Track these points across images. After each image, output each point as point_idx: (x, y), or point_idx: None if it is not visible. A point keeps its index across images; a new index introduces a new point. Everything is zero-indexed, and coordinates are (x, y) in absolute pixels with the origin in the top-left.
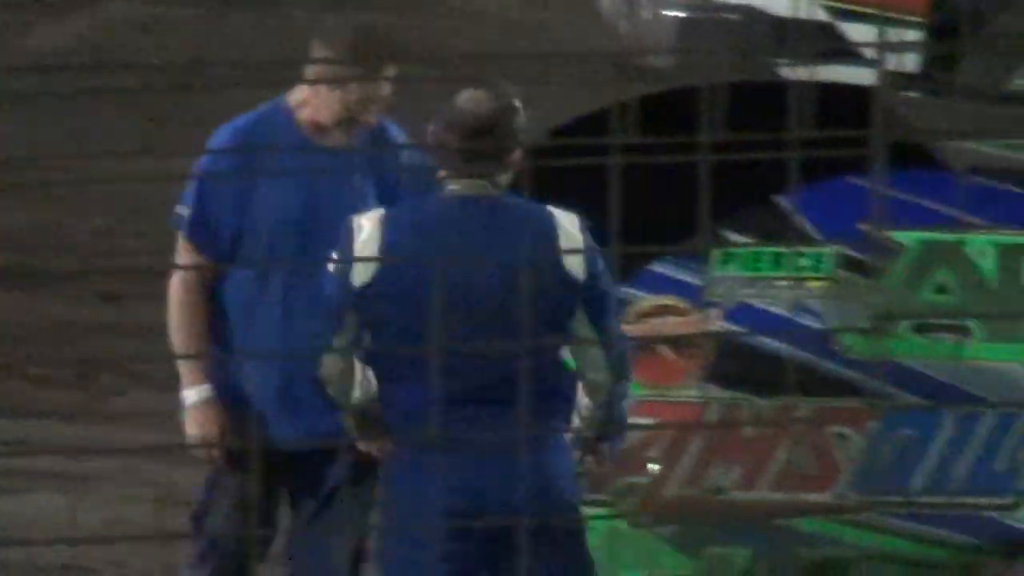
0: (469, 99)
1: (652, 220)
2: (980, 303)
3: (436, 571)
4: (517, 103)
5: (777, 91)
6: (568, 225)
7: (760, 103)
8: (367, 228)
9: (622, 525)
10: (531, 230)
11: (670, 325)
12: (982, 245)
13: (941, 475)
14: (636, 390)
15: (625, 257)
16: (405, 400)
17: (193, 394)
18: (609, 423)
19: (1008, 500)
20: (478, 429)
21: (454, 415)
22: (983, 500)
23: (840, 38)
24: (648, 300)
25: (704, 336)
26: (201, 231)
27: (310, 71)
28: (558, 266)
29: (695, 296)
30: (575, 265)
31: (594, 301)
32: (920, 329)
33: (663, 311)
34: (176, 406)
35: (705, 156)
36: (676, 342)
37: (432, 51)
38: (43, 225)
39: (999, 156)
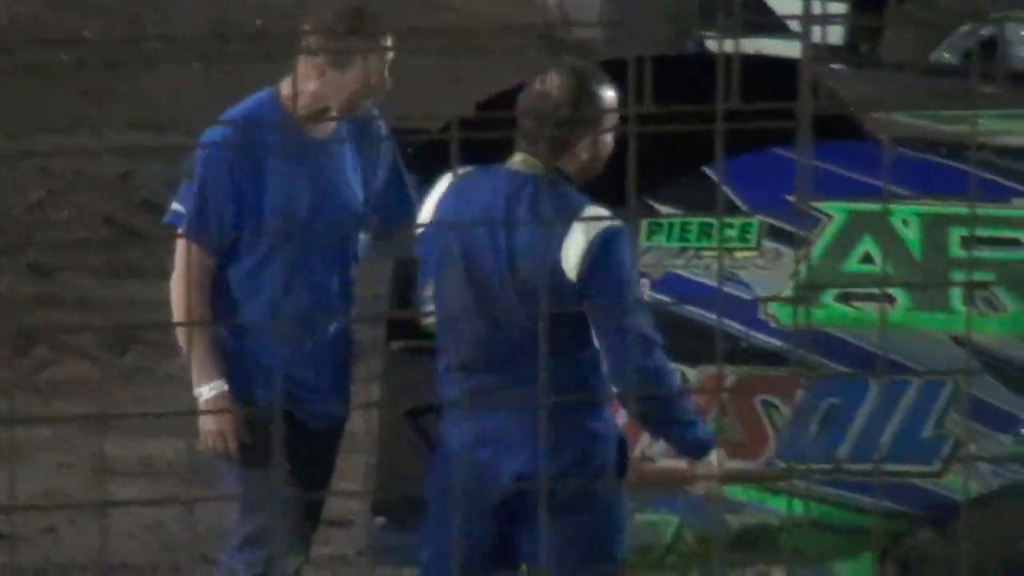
0: (547, 79)
1: (583, 191)
2: (905, 273)
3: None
4: (594, 90)
5: (704, 63)
6: (587, 227)
7: (687, 75)
8: (433, 194)
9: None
10: (551, 217)
11: None
12: (907, 215)
13: (867, 443)
14: None
15: None
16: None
17: (206, 390)
18: (672, 421)
19: (934, 467)
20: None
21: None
22: (909, 467)
23: (767, 11)
24: None
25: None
26: (204, 227)
27: (310, 58)
28: (553, 261)
29: None
30: (570, 264)
31: (593, 301)
32: (845, 298)
33: None
34: (108, 375)
35: (631, 128)
36: None
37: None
38: None
39: (924, 127)
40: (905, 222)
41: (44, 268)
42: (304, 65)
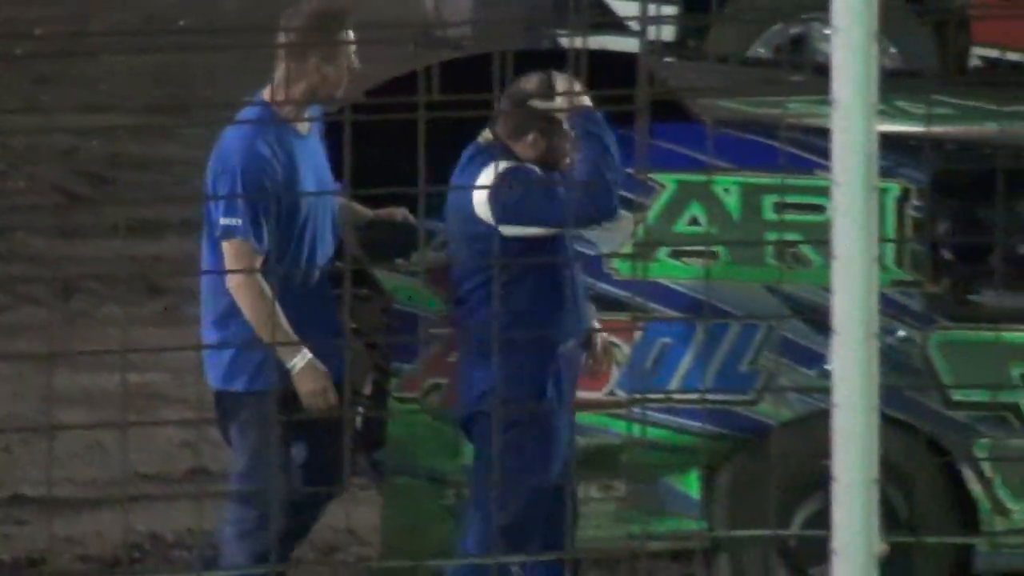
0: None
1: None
2: (726, 233)
3: None
4: (553, 87)
5: (557, 58)
6: (490, 174)
7: (544, 67)
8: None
9: (428, 418)
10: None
11: None
12: (728, 184)
13: (694, 376)
14: (434, 304)
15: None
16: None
17: (299, 359)
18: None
19: (750, 396)
20: None
21: None
22: (729, 396)
23: (610, 12)
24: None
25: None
26: (258, 231)
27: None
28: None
29: None
30: (481, 207)
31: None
32: (676, 255)
33: None
34: (55, 319)
35: (491, 113)
36: None
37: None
38: None
39: (742, 111)
40: (726, 190)
41: (2, 229)
42: (287, 64)
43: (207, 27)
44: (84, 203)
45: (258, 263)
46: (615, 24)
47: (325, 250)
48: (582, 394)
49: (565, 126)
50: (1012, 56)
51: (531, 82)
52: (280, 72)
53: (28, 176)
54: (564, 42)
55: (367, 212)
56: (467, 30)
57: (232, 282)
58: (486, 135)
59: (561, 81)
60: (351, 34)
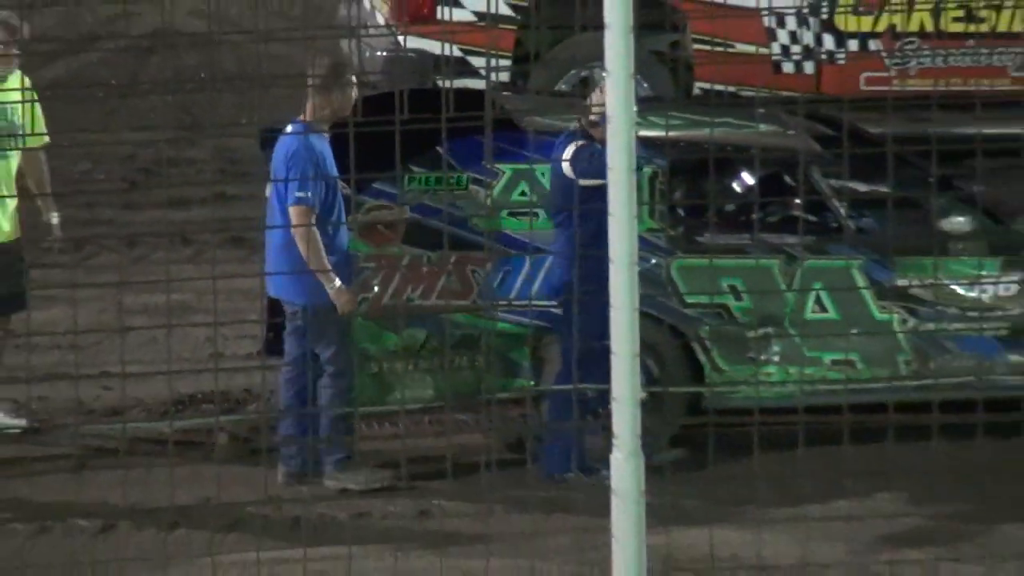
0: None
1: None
2: (542, 201)
3: None
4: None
5: (436, 94)
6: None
7: (428, 100)
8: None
9: (360, 320)
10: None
11: (385, 215)
12: (544, 170)
13: (526, 290)
14: (365, 248)
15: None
16: None
17: (337, 283)
18: None
19: (556, 302)
20: None
21: None
22: (548, 303)
23: (468, 64)
24: (374, 202)
25: (400, 220)
26: (315, 200)
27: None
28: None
29: (395, 200)
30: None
31: None
32: (512, 214)
33: (381, 207)
34: None
35: (399, 127)
36: (388, 224)
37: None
38: None
39: (552, 124)
40: (543, 174)
41: (90, 204)
42: (317, 96)
43: (219, 75)
44: (139, 188)
45: (313, 217)
46: (472, 72)
47: (341, 211)
48: (456, 303)
49: None
50: (719, 88)
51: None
52: (311, 102)
53: (105, 171)
54: (440, 83)
55: None
56: (380, 76)
57: (299, 232)
58: (574, 124)
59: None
60: (353, 79)
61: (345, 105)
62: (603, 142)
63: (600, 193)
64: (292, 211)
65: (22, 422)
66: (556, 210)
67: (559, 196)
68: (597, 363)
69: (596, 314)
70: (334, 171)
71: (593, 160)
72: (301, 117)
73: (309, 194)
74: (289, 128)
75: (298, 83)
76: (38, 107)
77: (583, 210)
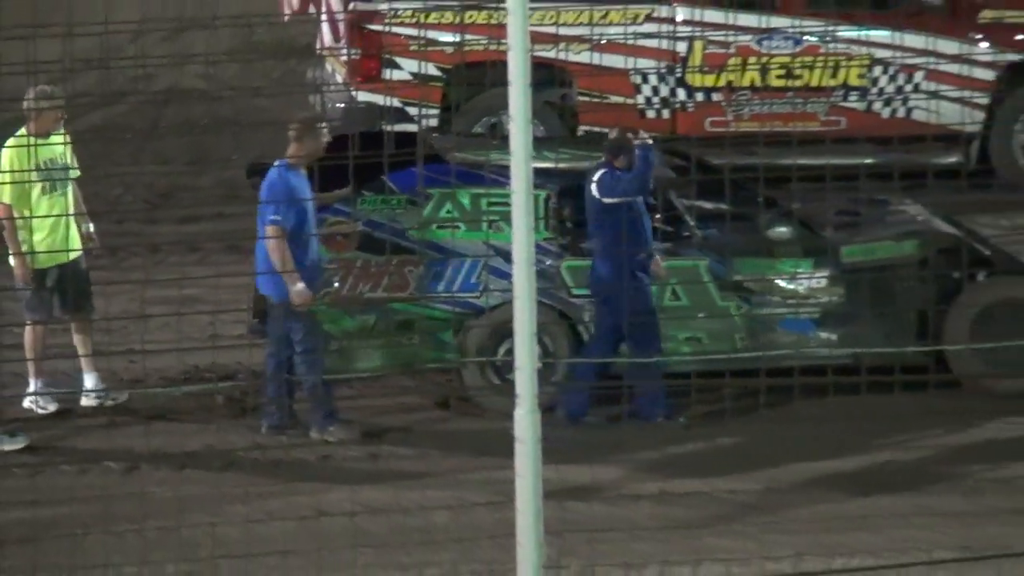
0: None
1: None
2: (463, 216)
3: None
4: (630, 136)
5: (381, 136)
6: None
7: (374, 140)
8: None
9: (323, 309)
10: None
11: (342, 227)
12: (464, 193)
13: (451, 284)
14: (327, 254)
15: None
16: None
17: (300, 286)
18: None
19: (477, 293)
20: None
21: None
22: (467, 294)
23: (406, 112)
24: (334, 218)
25: (354, 232)
26: (285, 223)
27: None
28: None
29: (349, 216)
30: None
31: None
32: (441, 228)
33: (340, 222)
34: None
35: (353, 160)
36: (345, 235)
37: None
38: None
39: (470, 159)
40: (464, 196)
41: (121, 220)
42: (297, 143)
43: (219, 122)
44: (158, 208)
45: (284, 236)
46: (408, 119)
47: (311, 230)
48: (396, 294)
49: (635, 152)
50: (598, 130)
51: (619, 133)
52: (293, 147)
53: (132, 195)
54: (385, 128)
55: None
56: (338, 122)
57: (270, 245)
58: (602, 155)
59: (634, 134)
60: (324, 129)
61: (317, 150)
62: (622, 169)
63: (619, 208)
64: (267, 230)
65: (18, 445)
66: (591, 221)
67: (591, 212)
68: (637, 332)
69: (624, 298)
70: (307, 200)
71: (614, 184)
72: (286, 157)
73: (280, 217)
74: (275, 164)
75: (279, 128)
76: (70, 150)
77: (607, 220)
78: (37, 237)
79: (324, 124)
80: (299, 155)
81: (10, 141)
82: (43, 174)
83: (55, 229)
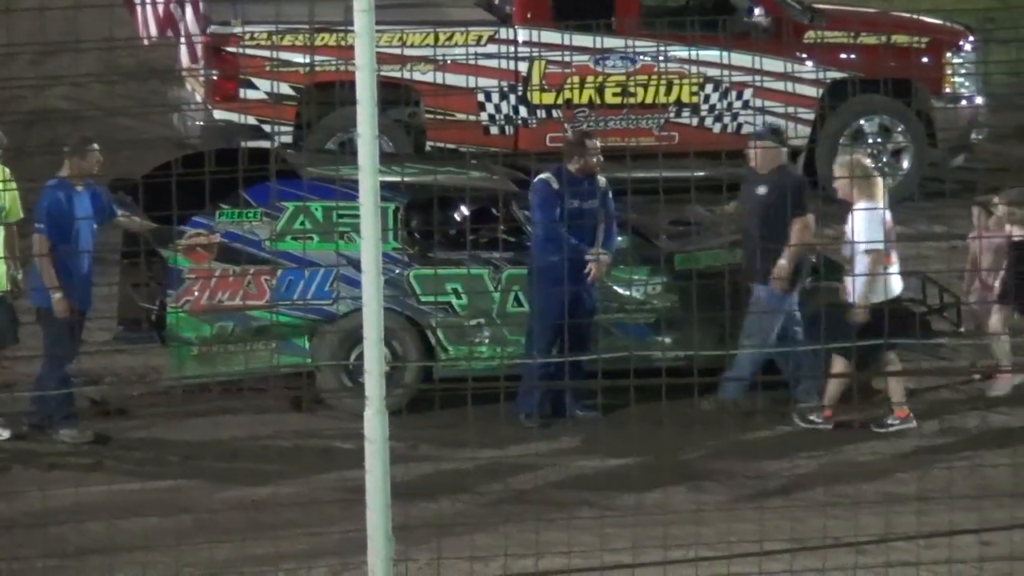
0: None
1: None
2: (316, 228)
3: None
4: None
5: (234, 152)
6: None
7: (232, 157)
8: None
9: (184, 316)
10: None
11: (201, 239)
12: (317, 206)
13: (305, 293)
14: (186, 263)
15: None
16: None
17: (59, 294)
18: None
19: (330, 301)
20: None
21: None
22: (321, 302)
23: (261, 130)
24: (194, 230)
25: (213, 244)
26: (51, 234)
27: None
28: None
29: (210, 229)
30: None
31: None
32: (294, 239)
33: (199, 234)
34: None
35: (208, 176)
36: (205, 247)
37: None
38: None
39: (322, 174)
40: (317, 209)
41: None
42: (71, 160)
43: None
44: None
45: (47, 248)
46: (264, 136)
47: (86, 244)
48: (252, 302)
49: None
50: (443, 145)
51: (576, 135)
52: (67, 166)
53: None
54: (242, 144)
55: (148, 224)
56: (197, 140)
57: (38, 257)
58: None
59: (589, 139)
60: (96, 147)
61: (89, 167)
62: (571, 173)
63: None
64: (36, 239)
65: (5, 435)
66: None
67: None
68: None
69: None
70: (82, 214)
71: (535, 188)
72: (59, 174)
73: (44, 226)
74: (49, 182)
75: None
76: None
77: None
78: None
79: (94, 145)
80: (71, 173)
81: None
82: None
83: None
